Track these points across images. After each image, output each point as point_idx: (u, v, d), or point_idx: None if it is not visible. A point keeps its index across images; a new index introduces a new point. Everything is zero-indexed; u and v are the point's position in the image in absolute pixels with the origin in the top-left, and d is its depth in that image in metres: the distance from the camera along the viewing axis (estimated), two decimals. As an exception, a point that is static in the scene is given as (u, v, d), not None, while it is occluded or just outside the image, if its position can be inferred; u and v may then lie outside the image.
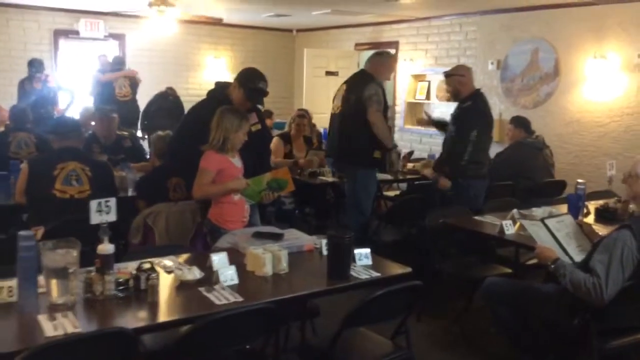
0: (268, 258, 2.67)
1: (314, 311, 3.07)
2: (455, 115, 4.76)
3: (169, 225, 3.96)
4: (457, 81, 4.73)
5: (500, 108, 7.59)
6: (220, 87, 4.12)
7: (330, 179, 5.55)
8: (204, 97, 4.22)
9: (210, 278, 2.57)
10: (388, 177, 5.97)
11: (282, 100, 11.64)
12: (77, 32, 9.40)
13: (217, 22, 7.92)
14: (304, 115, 6.20)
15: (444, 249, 3.99)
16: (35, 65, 7.33)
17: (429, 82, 8.87)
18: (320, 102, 9.50)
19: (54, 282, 2.21)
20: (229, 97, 3.85)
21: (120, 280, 2.39)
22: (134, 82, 8.24)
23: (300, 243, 3.06)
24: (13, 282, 2.26)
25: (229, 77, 10.94)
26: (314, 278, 2.75)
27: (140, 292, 2.39)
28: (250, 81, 3.82)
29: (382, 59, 5.02)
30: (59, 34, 9.34)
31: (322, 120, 7.96)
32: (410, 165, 6.21)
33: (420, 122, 5.05)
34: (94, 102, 8.07)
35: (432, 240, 3.96)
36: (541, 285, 3.18)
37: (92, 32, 9.47)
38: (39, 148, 5.14)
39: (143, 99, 8.65)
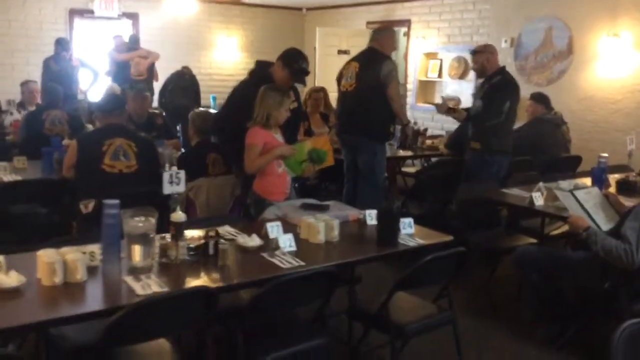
0: (322, 227, 2.86)
1: (358, 277, 3.26)
2: (485, 91, 4.87)
3: (209, 198, 4.15)
4: (485, 58, 4.86)
5: (514, 86, 7.72)
6: (262, 66, 4.28)
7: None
8: (240, 77, 4.39)
9: (269, 245, 2.75)
10: (408, 153, 6.15)
11: (292, 79, 11.76)
12: (91, 12, 9.47)
13: (236, 1, 7.99)
14: (319, 90, 6.33)
15: (471, 222, 4.16)
16: (62, 44, 7.46)
17: (441, 60, 8.99)
18: (333, 80, 9.62)
19: (136, 247, 2.39)
20: (271, 76, 4.01)
21: (192, 245, 2.57)
22: (150, 62, 8.33)
23: (346, 213, 3.24)
24: (94, 247, 2.44)
25: (239, 56, 11.07)
26: (363, 245, 2.95)
27: (209, 257, 2.58)
28: (295, 61, 4.01)
29: (389, 33, 5.18)
30: (74, 13, 9.40)
31: (334, 99, 8.12)
32: (428, 141, 6.37)
33: (440, 109, 5.05)
34: (111, 81, 8.21)
35: (461, 213, 4.14)
36: (572, 253, 3.38)
37: (106, 11, 9.54)
38: (71, 125, 5.31)
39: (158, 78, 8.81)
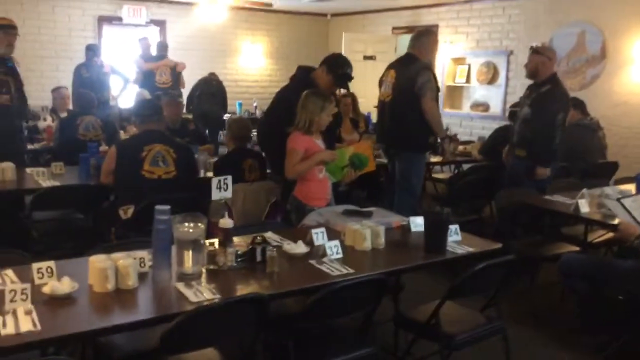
0: (368, 233, 2.82)
1: (402, 285, 3.22)
2: (534, 98, 4.71)
3: (245, 204, 4.12)
4: (541, 61, 4.66)
5: (545, 91, 7.63)
6: (303, 71, 4.27)
7: (384, 160, 5.66)
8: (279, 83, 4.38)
9: (315, 252, 2.72)
10: (438, 159, 6.09)
11: (317, 85, 11.76)
12: (120, 19, 9.57)
13: (267, 8, 8.00)
14: (347, 95, 6.29)
15: (512, 229, 4.09)
16: (93, 50, 7.55)
17: (469, 65, 8.93)
18: (358, 86, 9.57)
19: (187, 253, 2.37)
20: (313, 81, 4.00)
21: (239, 252, 2.55)
22: (175, 71, 8.37)
23: (389, 220, 3.20)
24: (144, 254, 2.42)
25: (264, 62, 11.09)
26: (409, 252, 2.90)
27: (257, 263, 2.55)
28: (339, 67, 4.03)
29: (429, 39, 4.96)
30: (102, 20, 9.51)
31: (362, 105, 8.05)
32: (461, 147, 6.30)
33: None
34: (139, 88, 8.28)
35: (502, 220, 4.07)
36: (620, 261, 3.29)
37: (134, 18, 9.64)
38: (104, 130, 5.33)
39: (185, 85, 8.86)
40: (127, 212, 3.76)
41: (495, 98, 8.57)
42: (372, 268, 2.65)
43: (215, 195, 2.59)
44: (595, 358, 3.35)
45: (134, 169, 3.78)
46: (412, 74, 4.75)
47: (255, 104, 9.97)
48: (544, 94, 4.70)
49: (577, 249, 4.01)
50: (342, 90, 5.55)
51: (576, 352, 3.45)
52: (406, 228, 3.16)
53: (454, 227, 3.01)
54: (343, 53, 9.94)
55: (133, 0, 9.57)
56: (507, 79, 8.25)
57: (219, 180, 2.60)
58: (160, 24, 10.03)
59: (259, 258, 2.57)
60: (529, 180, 4.60)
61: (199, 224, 2.42)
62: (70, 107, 6.44)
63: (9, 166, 4.11)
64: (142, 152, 3.81)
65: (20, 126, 5.08)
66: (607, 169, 5.72)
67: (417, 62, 4.82)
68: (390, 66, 5.09)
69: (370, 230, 2.83)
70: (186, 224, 2.41)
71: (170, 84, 8.54)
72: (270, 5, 7.87)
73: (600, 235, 4.08)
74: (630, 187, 4.16)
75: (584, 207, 3.63)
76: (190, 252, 2.37)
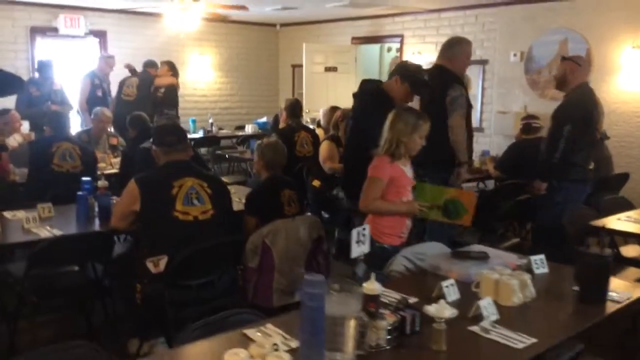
0: (516, 284, 2.31)
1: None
2: (554, 110, 4.46)
3: (289, 244, 3.51)
4: (570, 68, 4.32)
5: (525, 100, 7.47)
6: (372, 84, 3.78)
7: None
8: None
9: (463, 313, 2.17)
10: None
11: (266, 99, 11.18)
12: (55, 29, 8.55)
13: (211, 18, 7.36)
14: (351, 114, 5.78)
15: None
16: (48, 65, 6.69)
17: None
18: (320, 99, 9.11)
19: (343, 334, 1.75)
20: (387, 94, 3.54)
21: (390, 324, 1.96)
22: (142, 82, 7.52)
23: (505, 261, 2.70)
24: (274, 336, 1.79)
25: (213, 75, 10.36)
26: (562, 304, 2.40)
27: (406, 337, 1.98)
28: (414, 74, 3.60)
29: (462, 48, 4.45)
30: (35, 31, 8.46)
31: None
32: (476, 162, 5.88)
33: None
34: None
35: (572, 242, 3.69)
36: None
37: (71, 29, 8.65)
38: (83, 160, 4.52)
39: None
40: (158, 264, 3.04)
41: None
42: (551, 332, 2.11)
43: (355, 251, 1.99)
44: None
45: (164, 210, 3.07)
46: (442, 88, 4.22)
47: (210, 121, 9.21)
48: (561, 104, 4.43)
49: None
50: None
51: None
52: (524, 268, 2.68)
53: (538, 258, 2.60)
54: (304, 64, 9.46)
55: (70, 9, 8.57)
56: (483, 88, 8.03)
57: (358, 232, 2.01)
58: (101, 34, 9.07)
59: (408, 330, 2.00)
60: (551, 200, 4.29)
61: (353, 294, 1.82)
62: (22, 131, 5.48)
63: (-10, 213, 3.26)
64: (172, 188, 3.11)
65: None
66: (618, 181, 5.54)
67: (448, 74, 4.31)
68: None
69: (517, 281, 2.32)
70: (337, 294, 1.80)
71: (134, 97, 7.66)
72: (246, 8, 7.12)
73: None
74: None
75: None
76: (347, 331, 1.76)
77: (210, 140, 8.72)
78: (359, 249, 2.01)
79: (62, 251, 3.18)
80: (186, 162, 3.30)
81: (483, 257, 2.67)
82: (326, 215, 5.40)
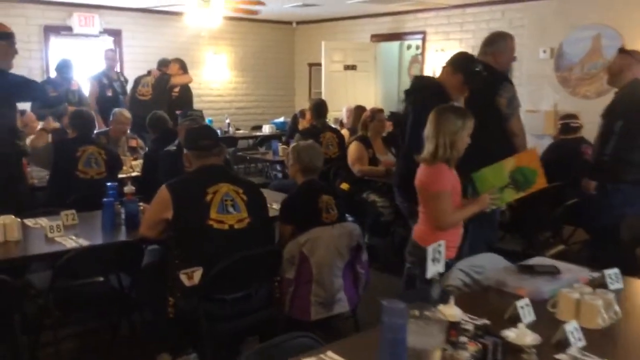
0: (600, 305, 2.07)
1: None
2: (605, 108, 4.20)
3: (328, 253, 3.28)
4: (627, 63, 4.08)
5: (556, 99, 7.21)
6: (427, 79, 3.56)
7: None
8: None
9: (545, 338, 1.94)
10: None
11: (282, 99, 10.96)
12: (69, 28, 8.37)
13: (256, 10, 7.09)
14: (382, 110, 5.55)
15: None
16: (68, 66, 6.48)
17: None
18: (340, 98, 8.86)
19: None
20: (440, 88, 3.40)
21: (472, 354, 1.73)
22: (157, 82, 7.30)
23: (576, 275, 2.46)
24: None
25: (229, 74, 10.15)
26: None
27: (491, 369, 1.75)
28: (469, 63, 3.45)
29: (506, 43, 4.09)
30: (49, 30, 8.28)
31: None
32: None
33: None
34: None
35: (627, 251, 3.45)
36: None
37: (86, 28, 8.48)
38: (108, 165, 4.31)
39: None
40: (192, 276, 2.82)
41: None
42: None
43: (431, 271, 1.76)
44: None
45: (197, 218, 2.85)
46: (490, 89, 3.83)
47: (227, 121, 9.00)
48: (613, 100, 4.18)
49: None
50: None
51: None
52: (597, 283, 2.44)
53: (612, 273, 2.36)
54: (323, 63, 9.22)
55: (84, 7, 8.38)
56: (510, 86, 7.76)
57: (434, 249, 1.78)
58: (115, 33, 8.89)
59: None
60: (608, 204, 4.03)
61: (438, 322, 1.59)
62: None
63: (12, 221, 3.03)
64: (206, 195, 2.89)
65: (21, 152, 3.97)
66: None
67: (495, 72, 3.93)
68: None
69: (602, 301, 2.08)
70: (420, 323, 1.57)
71: (150, 97, 7.40)
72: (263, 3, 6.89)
73: None
74: None
75: None
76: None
77: (227, 141, 8.49)
78: (434, 268, 1.78)
79: (89, 262, 2.97)
80: (221, 166, 3.08)
81: (553, 272, 2.43)
82: (350, 219, 5.18)
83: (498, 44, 4.07)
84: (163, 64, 7.58)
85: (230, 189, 2.95)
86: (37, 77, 7.55)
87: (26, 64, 7.73)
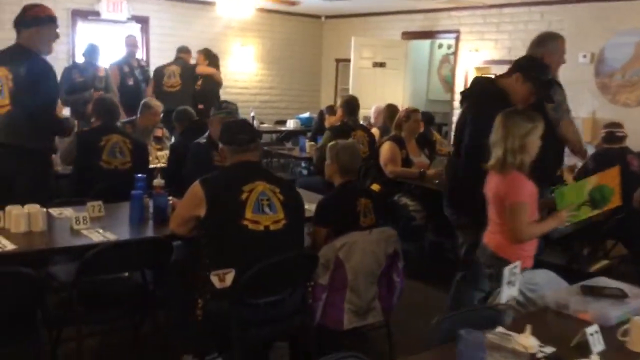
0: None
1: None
2: None
3: (364, 259, 3.11)
4: None
5: (594, 105, 6.97)
6: (486, 82, 3.35)
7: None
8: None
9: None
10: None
11: (307, 94, 10.79)
12: (97, 14, 8.26)
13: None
14: (418, 110, 5.34)
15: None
16: (95, 50, 6.33)
17: (495, 75, 8.13)
18: (368, 95, 8.66)
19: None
20: (502, 94, 3.18)
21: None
22: (184, 70, 7.10)
23: (641, 300, 2.27)
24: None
25: (255, 66, 10.00)
26: None
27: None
28: (540, 72, 3.18)
29: (556, 44, 3.87)
30: (77, 14, 8.17)
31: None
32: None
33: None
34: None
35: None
36: None
37: (114, 14, 8.35)
38: (133, 154, 4.17)
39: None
40: (224, 278, 2.66)
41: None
42: None
43: (506, 295, 1.58)
44: None
45: (231, 218, 2.69)
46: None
47: (252, 114, 8.85)
48: None
49: None
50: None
51: None
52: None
53: None
54: (352, 59, 9.04)
55: (113, -8, 8.28)
56: (546, 91, 7.52)
57: (510, 271, 1.60)
58: (143, 20, 8.77)
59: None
60: None
61: (518, 355, 1.41)
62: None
63: (37, 211, 2.90)
64: (241, 193, 2.72)
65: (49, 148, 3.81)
66: None
67: None
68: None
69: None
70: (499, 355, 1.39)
71: (179, 87, 7.17)
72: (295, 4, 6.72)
73: None
74: None
75: None
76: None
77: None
78: (509, 292, 1.61)
79: (117, 258, 2.81)
80: (257, 163, 2.92)
81: (620, 296, 2.23)
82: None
83: (548, 45, 3.86)
84: (184, 50, 7.32)
85: (267, 188, 2.79)
86: (63, 62, 7.47)
87: (53, 48, 7.62)
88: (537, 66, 3.22)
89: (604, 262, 4.02)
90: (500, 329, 1.98)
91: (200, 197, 2.72)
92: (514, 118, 2.67)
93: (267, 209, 2.75)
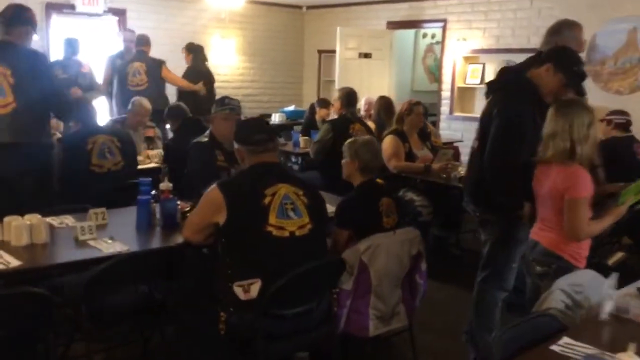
0: None
1: None
2: None
3: (389, 262, 2.96)
4: None
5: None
6: (513, 73, 3.18)
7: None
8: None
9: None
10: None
11: (289, 86, 10.58)
12: (72, 7, 7.89)
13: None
14: (420, 103, 5.19)
15: None
16: (73, 45, 6.03)
17: (484, 64, 8.05)
18: (354, 87, 8.47)
19: None
20: (532, 85, 3.00)
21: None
22: (151, 68, 6.70)
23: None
24: None
25: (236, 59, 9.74)
26: None
27: None
28: (573, 63, 2.99)
29: (573, 33, 3.73)
30: (51, 7, 7.79)
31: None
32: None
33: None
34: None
35: None
36: None
37: (89, 7, 7.99)
38: (125, 153, 3.94)
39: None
40: (249, 289, 2.48)
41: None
42: None
43: (608, 309, 1.43)
44: None
45: (254, 224, 2.51)
46: None
47: (239, 109, 8.59)
48: None
49: None
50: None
51: None
52: None
53: None
54: (337, 50, 8.83)
55: (87, -16, 7.92)
56: (535, 79, 7.45)
57: (608, 286, 1.44)
58: (120, 13, 8.43)
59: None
60: None
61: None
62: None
63: (39, 221, 2.67)
64: (263, 198, 2.54)
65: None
66: None
67: None
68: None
69: None
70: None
71: (145, 85, 6.81)
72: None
73: None
74: None
75: None
76: None
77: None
78: (609, 306, 1.46)
79: (131, 270, 2.60)
80: (277, 164, 2.74)
81: (678, 296, 2.12)
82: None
83: (563, 34, 3.73)
84: (143, 42, 6.77)
85: (290, 191, 2.61)
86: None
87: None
88: (570, 56, 3.07)
89: (620, 255, 3.94)
90: (566, 339, 1.85)
91: (219, 202, 2.53)
92: (575, 107, 2.56)
93: (291, 213, 2.57)
